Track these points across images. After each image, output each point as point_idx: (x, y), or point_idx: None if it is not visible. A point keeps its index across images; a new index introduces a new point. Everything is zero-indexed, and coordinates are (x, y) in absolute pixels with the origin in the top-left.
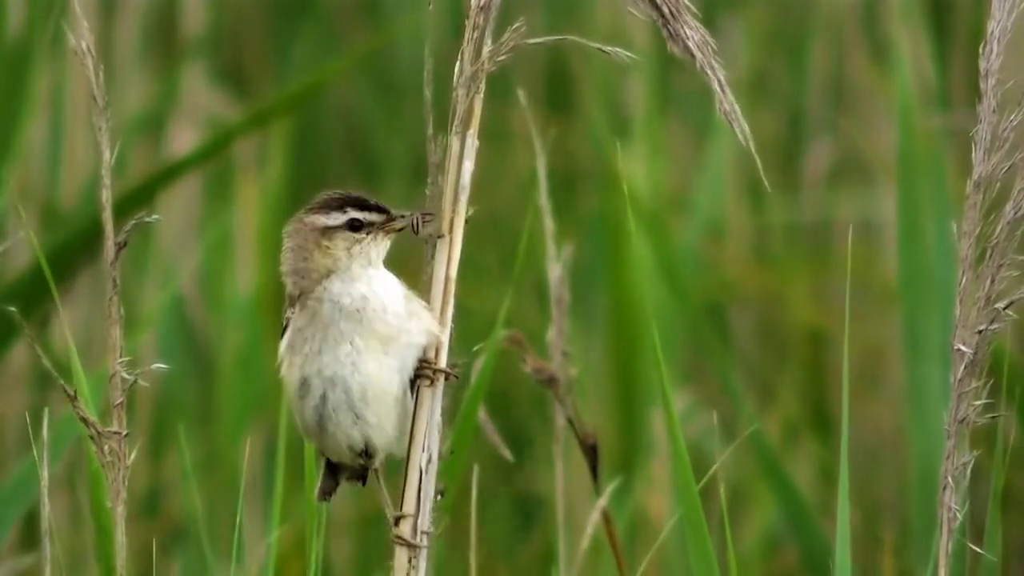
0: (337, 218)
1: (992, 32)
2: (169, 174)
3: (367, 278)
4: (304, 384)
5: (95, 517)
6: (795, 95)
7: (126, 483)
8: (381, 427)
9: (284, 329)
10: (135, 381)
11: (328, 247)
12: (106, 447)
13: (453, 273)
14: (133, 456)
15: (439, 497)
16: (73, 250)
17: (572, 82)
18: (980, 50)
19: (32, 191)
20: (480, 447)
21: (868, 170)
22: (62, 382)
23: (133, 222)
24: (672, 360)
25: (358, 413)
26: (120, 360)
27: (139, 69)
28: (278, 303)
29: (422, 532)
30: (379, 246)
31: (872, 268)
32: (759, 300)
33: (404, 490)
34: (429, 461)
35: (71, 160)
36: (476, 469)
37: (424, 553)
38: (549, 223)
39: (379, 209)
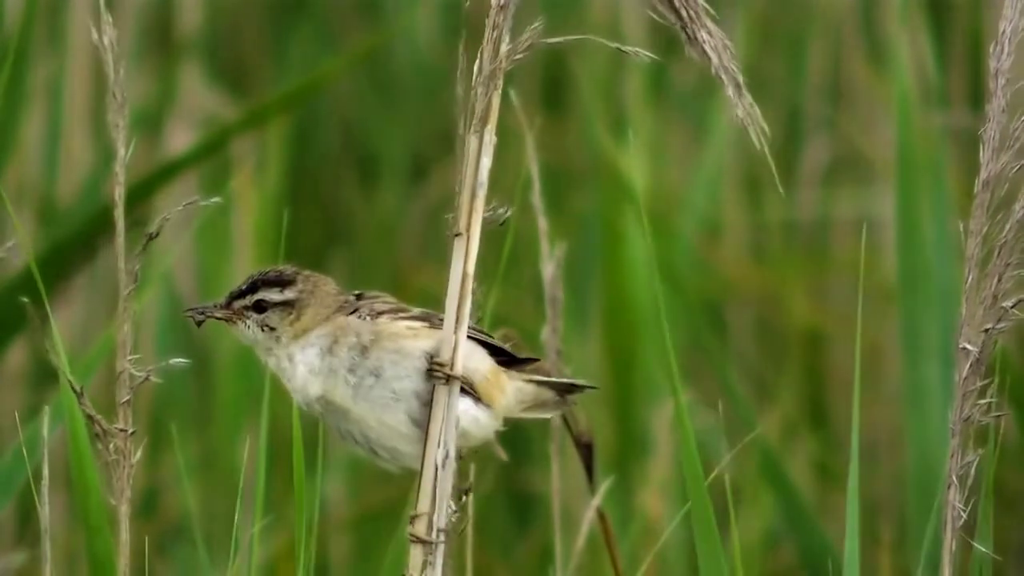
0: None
1: (1004, 32)
2: (167, 173)
3: (273, 361)
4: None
5: (85, 518)
6: (792, 93)
7: (131, 481)
8: (401, 451)
9: None
10: (146, 378)
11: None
12: (111, 445)
13: (471, 270)
14: (139, 455)
15: (465, 496)
16: (71, 249)
17: (569, 80)
18: (991, 49)
19: (29, 189)
20: (477, 447)
21: (865, 168)
22: (69, 379)
23: (164, 216)
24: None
25: (369, 447)
26: (129, 357)
27: (135, 68)
28: None
29: (438, 530)
30: (245, 333)
31: (870, 267)
32: (756, 299)
33: (419, 487)
34: (446, 457)
35: (68, 158)
36: (473, 469)
37: (440, 550)
38: (543, 222)
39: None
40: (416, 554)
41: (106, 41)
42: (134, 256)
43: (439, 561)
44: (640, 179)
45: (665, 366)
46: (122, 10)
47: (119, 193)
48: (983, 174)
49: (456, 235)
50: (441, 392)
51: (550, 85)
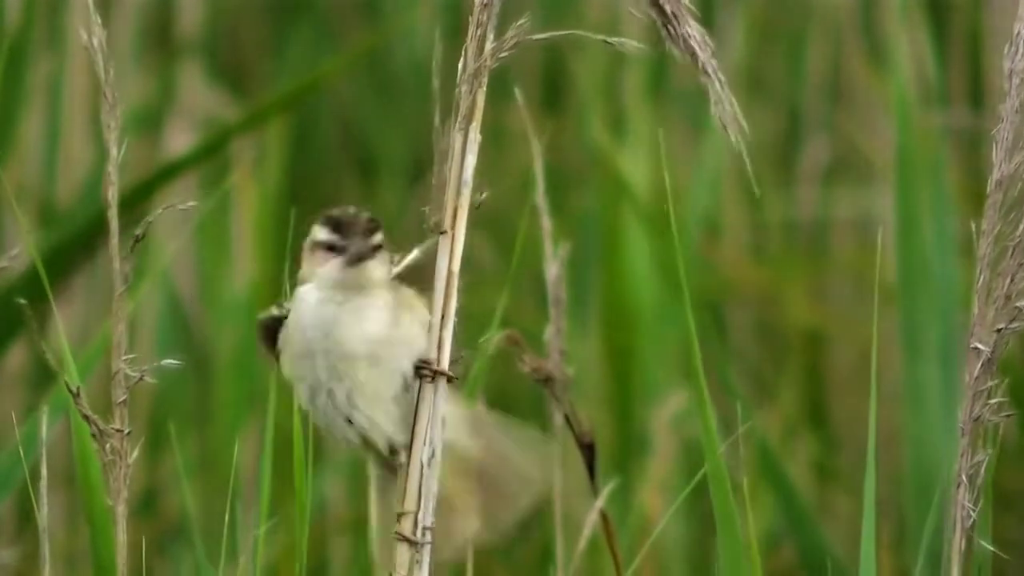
0: (320, 234)
1: (1018, 32)
2: (166, 174)
3: (336, 302)
4: (297, 379)
5: (90, 516)
6: (792, 93)
7: (127, 482)
8: (381, 427)
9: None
10: (141, 378)
11: (311, 260)
12: (107, 445)
13: (456, 267)
14: (135, 455)
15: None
16: (71, 249)
17: (567, 80)
18: (1005, 50)
19: (28, 189)
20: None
21: (865, 168)
22: (65, 379)
23: (152, 215)
24: (671, 358)
25: (351, 417)
26: (124, 357)
27: (135, 67)
28: (274, 301)
29: (424, 528)
30: (343, 273)
31: (870, 267)
32: (756, 299)
33: (406, 486)
34: (432, 456)
35: (68, 158)
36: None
37: (427, 550)
38: (547, 222)
39: (347, 234)
40: (403, 553)
41: (95, 42)
42: (126, 258)
43: (426, 559)
44: (640, 178)
45: (688, 355)
46: (122, 10)
47: (112, 194)
48: (996, 174)
49: (441, 233)
50: (427, 390)
51: (550, 85)
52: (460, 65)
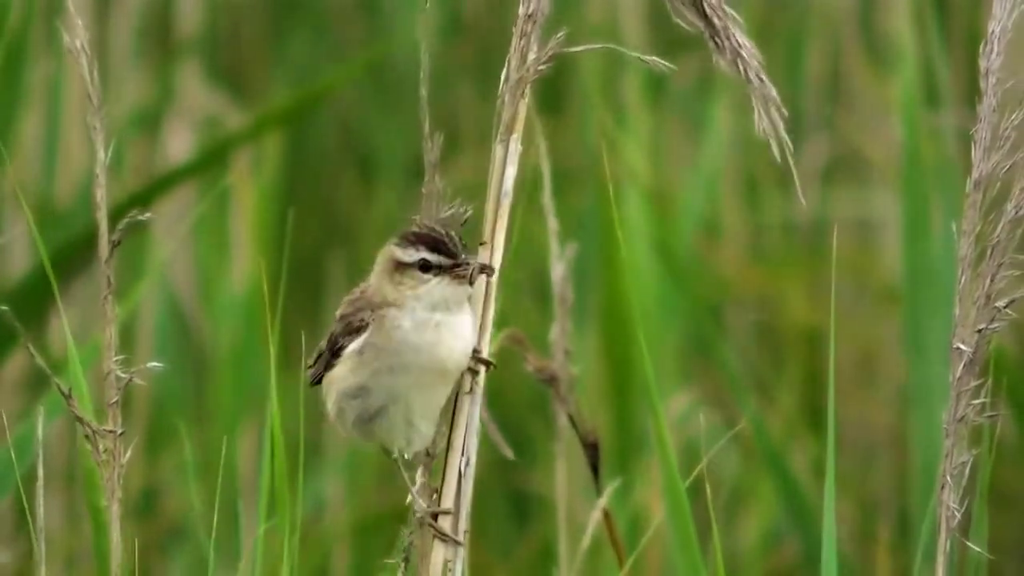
0: (410, 255)
1: (993, 32)
2: (166, 183)
3: (435, 322)
4: (364, 390)
5: (91, 516)
6: (792, 93)
7: (121, 482)
8: (426, 433)
9: (356, 330)
10: (131, 379)
11: (399, 282)
12: (101, 446)
13: (494, 277)
14: (128, 455)
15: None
16: (69, 251)
17: (567, 80)
18: (980, 49)
19: (27, 190)
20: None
21: (864, 168)
22: (56, 380)
23: (127, 219)
24: (671, 357)
25: (413, 424)
26: (115, 358)
27: (134, 67)
28: (274, 301)
29: (463, 532)
30: (449, 290)
31: (869, 267)
32: (756, 299)
33: (442, 494)
34: (467, 464)
35: (66, 159)
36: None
37: (461, 552)
38: (553, 222)
39: (450, 253)
40: (438, 552)
41: (78, 43)
42: (109, 262)
43: (459, 566)
44: (644, 177)
45: (643, 378)
46: (122, 10)
47: (100, 196)
48: (975, 174)
49: (480, 243)
50: (464, 401)
51: (550, 85)
52: (503, 75)
